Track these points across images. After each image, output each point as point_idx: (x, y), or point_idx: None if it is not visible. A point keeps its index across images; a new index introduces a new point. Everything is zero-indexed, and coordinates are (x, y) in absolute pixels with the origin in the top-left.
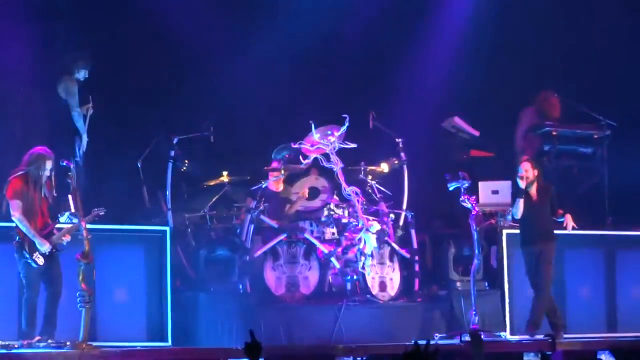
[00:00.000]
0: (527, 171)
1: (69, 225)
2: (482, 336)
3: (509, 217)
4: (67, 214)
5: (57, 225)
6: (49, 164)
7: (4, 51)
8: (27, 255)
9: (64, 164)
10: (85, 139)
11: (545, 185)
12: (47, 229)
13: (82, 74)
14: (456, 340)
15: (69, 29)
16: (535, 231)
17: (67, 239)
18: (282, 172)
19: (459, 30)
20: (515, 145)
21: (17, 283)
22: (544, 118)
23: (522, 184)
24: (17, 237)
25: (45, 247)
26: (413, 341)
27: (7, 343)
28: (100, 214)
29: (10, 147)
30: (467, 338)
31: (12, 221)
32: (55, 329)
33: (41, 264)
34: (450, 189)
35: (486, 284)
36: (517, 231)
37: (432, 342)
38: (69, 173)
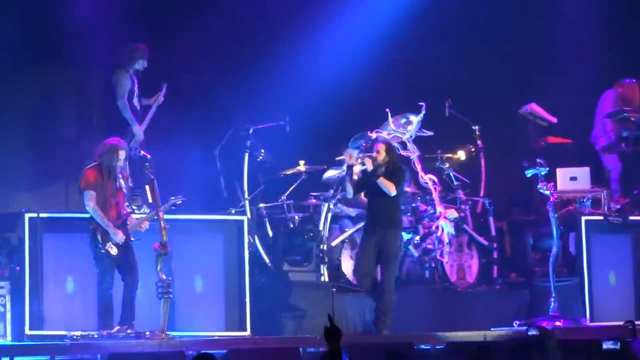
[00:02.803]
0: (378, 153)
1: (143, 215)
2: (551, 327)
3: (588, 203)
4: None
5: (133, 215)
6: (122, 154)
7: (81, 43)
8: (100, 246)
9: (141, 154)
10: (137, 129)
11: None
12: (121, 219)
13: (140, 64)
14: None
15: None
16: (375, 218)
17: (145, 226)
18: (359, 160)
19: (535, 16)
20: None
21: (95, 274)
22: (624, 104)
23: (369, 165)
24: (91, 228)
25: (119, 237)
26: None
27: (87, 333)
28: (178, 202)
29: (88, 138)
30: (534, 332)
31: (87, 212)
32: (133, 319)
33: (114, 254)
34: (528, 175)
35: (565, 270)
36: (597, 217)
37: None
38: (146, 164)
